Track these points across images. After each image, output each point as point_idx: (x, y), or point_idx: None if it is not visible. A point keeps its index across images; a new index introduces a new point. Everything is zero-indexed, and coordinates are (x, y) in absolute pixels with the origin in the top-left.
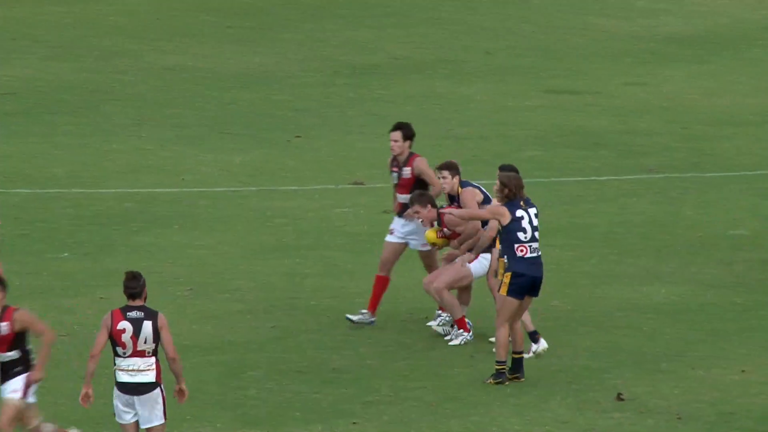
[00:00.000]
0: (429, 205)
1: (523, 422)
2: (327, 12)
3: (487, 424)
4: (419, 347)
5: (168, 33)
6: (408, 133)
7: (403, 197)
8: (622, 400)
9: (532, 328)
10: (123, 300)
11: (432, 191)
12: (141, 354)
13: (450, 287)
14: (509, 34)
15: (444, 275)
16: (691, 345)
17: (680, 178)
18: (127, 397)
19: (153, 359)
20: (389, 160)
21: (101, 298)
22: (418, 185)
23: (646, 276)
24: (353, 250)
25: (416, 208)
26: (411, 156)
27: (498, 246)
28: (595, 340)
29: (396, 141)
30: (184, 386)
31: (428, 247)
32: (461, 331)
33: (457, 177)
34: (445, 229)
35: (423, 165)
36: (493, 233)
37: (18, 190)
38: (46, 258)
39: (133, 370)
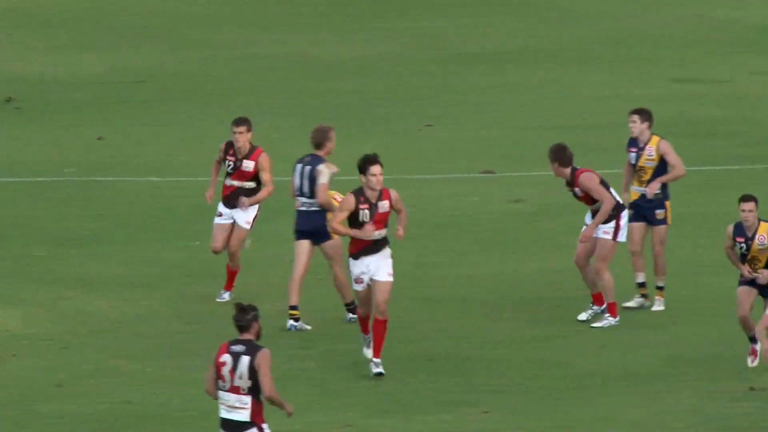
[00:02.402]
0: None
1: (650, 413)
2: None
3: (615, 413)
4: (549, 336)
5: (285, 25)
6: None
7: None
8: (754, 390)
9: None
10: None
11: None
12: (236, 390)
13: (608, 262)
14: (633, 24)
15: (600, 254)
16: None
17: None
18: None
19: (249, 398)
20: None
21: (234, 286)
22: None
23: None
24: (482, 240)
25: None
26: None
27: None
28: (728, 330)
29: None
30: (289, 410)
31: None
32: (608, 315)
33: None
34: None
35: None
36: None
37: (148, 178)
38: (174, 246)
39: (229, 406)
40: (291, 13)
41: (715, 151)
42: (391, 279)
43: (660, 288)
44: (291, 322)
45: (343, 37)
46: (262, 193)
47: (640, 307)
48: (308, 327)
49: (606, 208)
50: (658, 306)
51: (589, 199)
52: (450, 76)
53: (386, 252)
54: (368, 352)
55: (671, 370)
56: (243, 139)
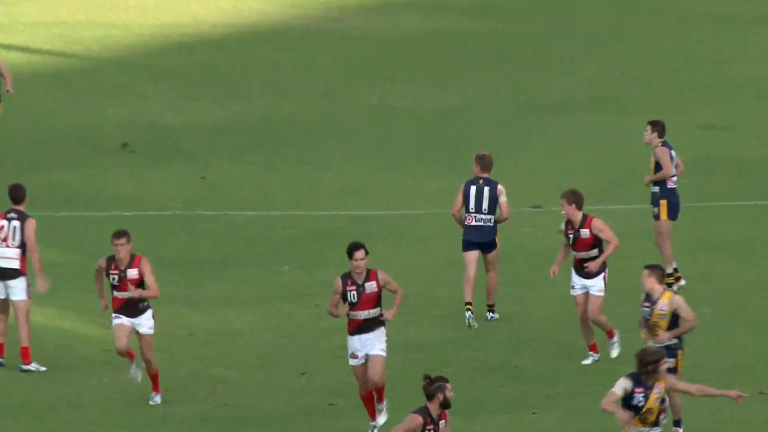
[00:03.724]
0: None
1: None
2: (510, 57)
3: None
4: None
5: (371, 76)
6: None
7: None
8: (763, 394)
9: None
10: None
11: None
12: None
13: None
14: (665, 74)
15: (596, 309)
16: None
17: None
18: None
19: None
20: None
21: (316, 305)
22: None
23: None
24: (533, 266)
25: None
26: None
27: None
28: (747, 342)
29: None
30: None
31: None
32: (613, 340)
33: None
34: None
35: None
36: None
37: (245, 213)
38: (268, 271)
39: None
40: (386, 64)
41: (741, 187)
42: (384, 354)
43: (668, 274)
44: (469, 314)
45: (419, 88)
46: (150, 292)
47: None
48: (476, 325)
49: (615, 244)
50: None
51: (586, 245)
52: (504, 121)
53: (381, 330)
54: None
55: (699, 376)
56: (124, 250)
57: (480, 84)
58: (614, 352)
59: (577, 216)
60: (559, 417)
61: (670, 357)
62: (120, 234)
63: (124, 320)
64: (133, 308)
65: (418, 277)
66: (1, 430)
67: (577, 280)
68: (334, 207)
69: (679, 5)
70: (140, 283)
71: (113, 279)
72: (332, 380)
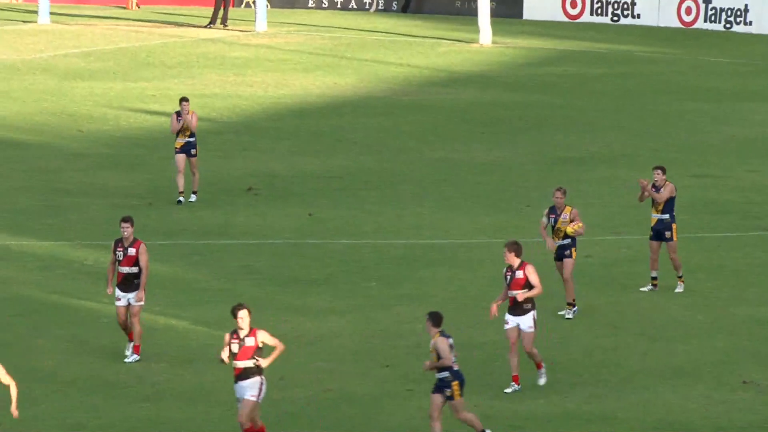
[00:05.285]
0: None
1: (679, 396)
2: (545, 121)
3: (652, 400)
4: (615, 345)
5: (437, 136)
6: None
7: None
8: (746, 383)
9: None
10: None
11: None
12: None
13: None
14: (668, 136)
15: (530, 342)
16: None
17: None
18: None
19: None
20: None
21: (397, 314)
22: None
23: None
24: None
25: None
26: None
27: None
28: (726, 342)
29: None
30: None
31: None
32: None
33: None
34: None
35: None
36: None
37: (341, 241)
38: (359, 286)
39: None
40: (448, 127)
41: (721, 223)
42: (253, 399)
43: (680, 277)
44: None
45: (474, 145)
46: (143, 275)
47: (651, 291)
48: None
49: (539, 291)
50: (679, 289)
51: (519, 285)
52: (541, 172)
53: (256, 380)
54: None
55: (688, 367)
56: (128, 232)
57: (519, 142)
58: (542, 381)
59: (515, 261)
60: (585, 399)
61: (446, 387)
62: (126, 219)
63: (122, 302)
64: (129, 283)
65: (472, 290)
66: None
67: (510, 318)
68: (409, 237)
69: (676, 82)
70: (136, 262)
71: (118, 255)
72: (410, 371)
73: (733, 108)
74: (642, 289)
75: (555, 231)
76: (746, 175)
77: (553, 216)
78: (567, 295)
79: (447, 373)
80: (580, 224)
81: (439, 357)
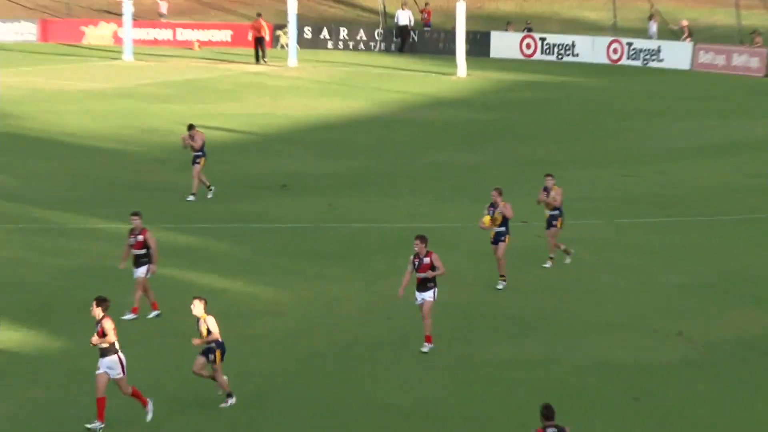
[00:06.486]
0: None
1: (609, 342)
2: (509, 133)
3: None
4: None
5: (427, 145)
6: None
7: None
8: (681, 334)
9: None
10: None
11: None
12: None
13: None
14: (601, 145)
15: (429, 311)
16: None
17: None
18: None
19: None
20: None
21: (395, 282)
22: None
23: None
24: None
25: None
26: None
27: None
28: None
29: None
30: None
31: None
32: None
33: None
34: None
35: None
36: None
37: (352, 225)
38: (367, 260)
39: None
40: (436, 138)
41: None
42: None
43: (551, 257)
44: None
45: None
46: (153, 256)
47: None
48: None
49: (443, 272)
50: (547, 264)
51: (425, 268)
52: (510, 175)
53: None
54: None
55: (615, 321)
56: (136, 223)
57: (490, 149)
58: (426, 348)
59: (423, 250)
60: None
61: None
62: (135, 213)
63: (137, 274)
64: (138, 262)
65: (454, 262)
66: None
67: (418, 295)
68: (405, 222)
69: (606, 104)
70: (144, 245)
71: (131, 241)
72: (405, 324)
73: (649, 124)
74: (543, 265)
75: (493, 220)
76: (656, 176)
77: (492, 209)
78: (500, 270)
79: (213, 344)
80: (506, 212)
81: (209, 332)
